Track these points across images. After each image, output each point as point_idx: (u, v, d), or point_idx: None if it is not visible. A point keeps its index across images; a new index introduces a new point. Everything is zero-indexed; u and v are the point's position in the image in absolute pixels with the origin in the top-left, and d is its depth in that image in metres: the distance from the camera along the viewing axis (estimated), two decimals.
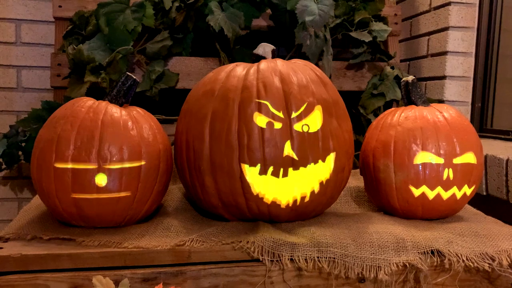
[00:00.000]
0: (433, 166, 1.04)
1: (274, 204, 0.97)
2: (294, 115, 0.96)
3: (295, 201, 0.98)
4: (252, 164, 0.94)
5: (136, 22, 1.47)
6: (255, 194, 0.96)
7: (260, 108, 0.95)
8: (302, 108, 0.96)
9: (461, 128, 1.07)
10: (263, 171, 0.95)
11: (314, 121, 0.97)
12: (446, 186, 1.04)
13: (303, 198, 0.98)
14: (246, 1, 1.58)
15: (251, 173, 0.95)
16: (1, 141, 1.54)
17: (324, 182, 0.99)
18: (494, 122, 1.76)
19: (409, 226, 1.03)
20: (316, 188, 0.99)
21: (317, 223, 1.02)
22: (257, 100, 0.96)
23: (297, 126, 0.96)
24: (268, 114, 0.95)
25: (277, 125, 0.95)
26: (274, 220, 1.01)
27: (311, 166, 0.96)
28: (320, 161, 0.97)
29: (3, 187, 1.85)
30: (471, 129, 1.09)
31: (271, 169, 0.95)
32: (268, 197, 0.97)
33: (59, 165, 0.91)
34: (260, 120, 0.95)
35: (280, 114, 0.95)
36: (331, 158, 0.98)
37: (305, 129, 0.96)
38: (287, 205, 0.98)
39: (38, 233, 0.94)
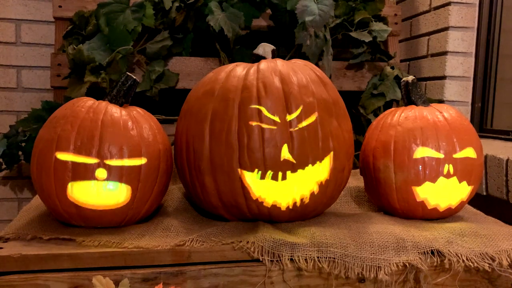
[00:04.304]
0: (433, 162, 1.03)
1: (275, 208, 0.98)
2: (294, 115, 0.96)
3: (294, 203, 0.98)
4: (252, 169, 0.94)
5: (136, 22, 1.47)
6: (255, 198, 0.96)
7: (260, 115, 0.95)
8: (301, 108, 0.96)
9: (461, 128, 1.07)
10: (263, 176, 0.95)
11: (313, 122, 0.97)
12: None
13: (302, 200, 0.98)
14: (246, 1, 1.58)
15: (251, 178, 0.95)
16: (1, 141, 1.54)
17: (323, 183, 0.99)
18: (494, 122, 1.76)
19: (409, 226, 1.03)
20: (316, 189, 0.99)
21: (317, 223, 1.02)
22: (254, 106, 0.95)
23: (296, 127, 0.96)
24: (266, 119, 0.95)
25: (276, 126, 0.95)
26: (274, 220, 1.01)
27: (309, 167, 0.96)
28: (318, 162, 0.97)
29: (3, 187, 1.85)
30: (471, 129, 1.09)
31: (270, 173, 0.95)
32: (268, 201, 0.97)
33: (59, 164, 0.91)
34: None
35: (277, 119, 0.95)
36: (329, 157, 0.98)
37: (305, 129, 0.96)
38: (287, 207, 0.98)
39: (38, 233, 0.94)
